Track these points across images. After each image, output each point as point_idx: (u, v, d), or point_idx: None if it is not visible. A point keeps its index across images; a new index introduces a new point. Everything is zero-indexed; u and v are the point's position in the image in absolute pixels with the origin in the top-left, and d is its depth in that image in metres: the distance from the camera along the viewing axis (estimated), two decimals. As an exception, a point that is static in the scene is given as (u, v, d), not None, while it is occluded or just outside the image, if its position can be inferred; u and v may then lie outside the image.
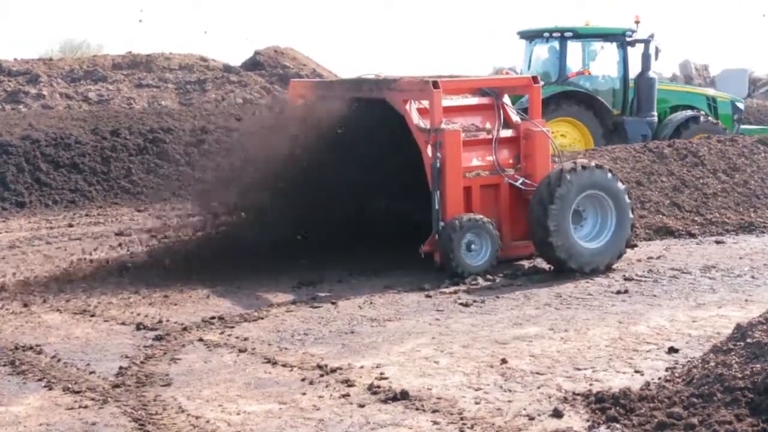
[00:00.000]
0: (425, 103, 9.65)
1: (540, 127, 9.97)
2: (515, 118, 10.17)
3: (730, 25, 50.07)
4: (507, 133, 10.00)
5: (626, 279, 9.17)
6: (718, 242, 10.96)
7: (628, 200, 9.79)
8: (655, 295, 8.53)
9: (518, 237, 9.91)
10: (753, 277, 9.19)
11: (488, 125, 10.01)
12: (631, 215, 9.80)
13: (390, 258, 9.76)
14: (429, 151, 9.45)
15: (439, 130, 9.41)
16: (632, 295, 8.55)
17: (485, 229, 9.40)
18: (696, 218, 11.80)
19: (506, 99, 10.36)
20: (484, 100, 10.17)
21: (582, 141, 15.20)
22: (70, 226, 12.86)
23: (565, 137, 14.96)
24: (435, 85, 9.47)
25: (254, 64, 24.59)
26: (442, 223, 9.36)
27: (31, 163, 14.85)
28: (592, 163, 9.75)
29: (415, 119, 9.65)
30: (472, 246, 9.35)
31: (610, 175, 9.72)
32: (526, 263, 9.85)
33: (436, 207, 9.39)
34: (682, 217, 11.78)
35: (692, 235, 11.26)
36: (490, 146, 9.84)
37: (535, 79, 10.29)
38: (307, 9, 52.65)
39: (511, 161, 9.98)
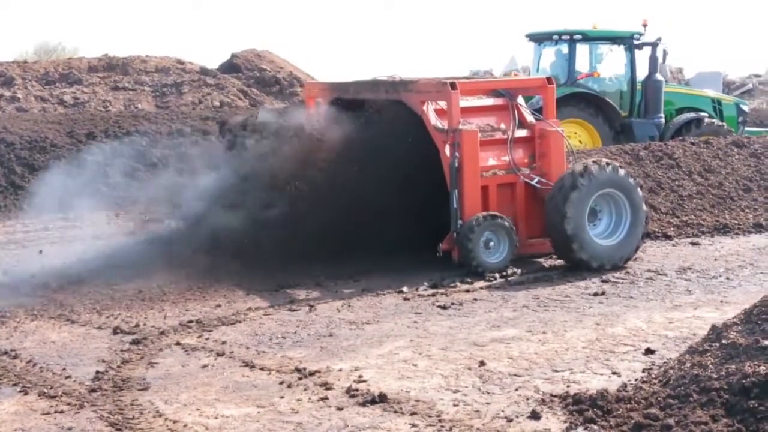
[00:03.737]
0: (442, 104, 9.82)
1: (555, 127, 10.13)
2: (530, 118, 10.34)
3: (703, 28, 50.47)
4: (522, 133, 10.18)
5: (603, 281, 9.22)
6: (693, 244, 11.04)
7: (641, 194, 9.97)
8: (631, 297, 8.57)
9: (534, 234, 10.10)
10: (728, 278, 9.26)
11: (503, 125, 10.17)
12: (645, 208, 10.00)
13: (368, 261, 9.76)
14: (447, 151, 9.61)
15: (457, 130, 9.57)
16: (609, 297, 8.59)
17: (503, 227, 9.55)
18: (672, 220, 11.88)
19: (520, 100, 10.54)
20: (499, 101, 10.35)
21: (590, 142, 15.35)
22: (46, 229, 12.76)
23: (581, 142, 15.11)
24: (453, 86, 9.65)
25: (231, 66, 24.51)
26: (460, 222, 9.48)
27: (6, 167, 14.78)
28: (604, 162, 9.85)
29: (433, 120, 9.83)
30: (490, 244, 9.53)
31: (622, 172, 9.87)
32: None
33: (455, 206, 9.55)
34: (657, 218, 11.85)
35: (668, 237, 11.34)
36: (505, 146, 10.01)
37: (549, 80, 10.48)
38: (284, 12, 52.65)
39: (526, 160, 10.15)
